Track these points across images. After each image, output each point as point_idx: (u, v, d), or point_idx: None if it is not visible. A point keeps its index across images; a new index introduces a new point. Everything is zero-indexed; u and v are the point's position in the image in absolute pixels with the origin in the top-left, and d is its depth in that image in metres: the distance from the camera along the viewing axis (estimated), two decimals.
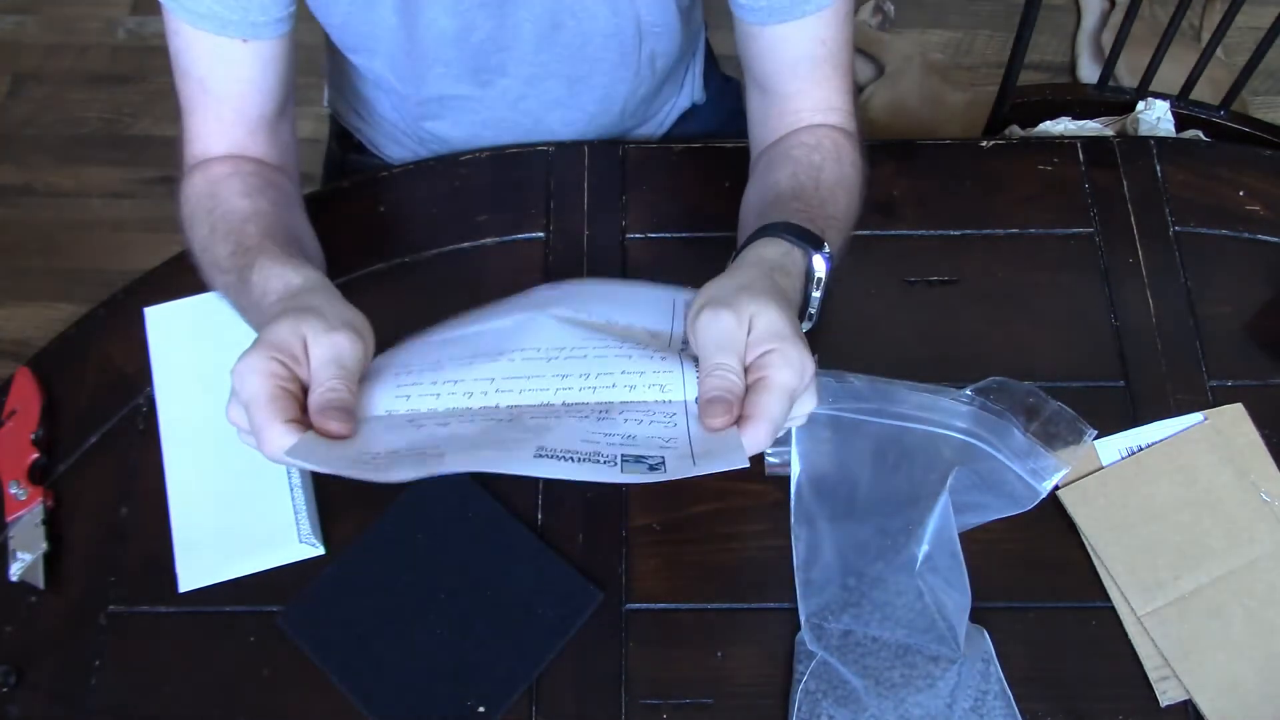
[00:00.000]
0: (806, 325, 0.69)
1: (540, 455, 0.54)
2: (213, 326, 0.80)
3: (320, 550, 0.75)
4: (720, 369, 0.57)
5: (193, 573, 0.74)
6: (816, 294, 0.67)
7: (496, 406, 0.60)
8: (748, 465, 0.54)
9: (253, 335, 0.77)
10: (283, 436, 0.56)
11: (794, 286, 0.65)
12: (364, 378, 0.62)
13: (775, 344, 0.57)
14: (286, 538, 0.74)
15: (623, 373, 0.60)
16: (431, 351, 0.65)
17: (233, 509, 0.75)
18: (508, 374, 0.62)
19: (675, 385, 0.60)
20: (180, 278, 0.85)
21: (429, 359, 0.64)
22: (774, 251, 0.65)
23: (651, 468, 0.54)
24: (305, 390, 0.59)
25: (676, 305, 0.69)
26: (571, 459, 0.54)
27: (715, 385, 0.57)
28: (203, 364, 0.80)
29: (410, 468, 0.54)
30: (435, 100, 0.89)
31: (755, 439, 0.56)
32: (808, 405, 0.60)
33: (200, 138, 0.78)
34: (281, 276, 0.65)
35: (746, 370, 0.58)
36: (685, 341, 0.64)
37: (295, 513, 0.75)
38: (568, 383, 0.60)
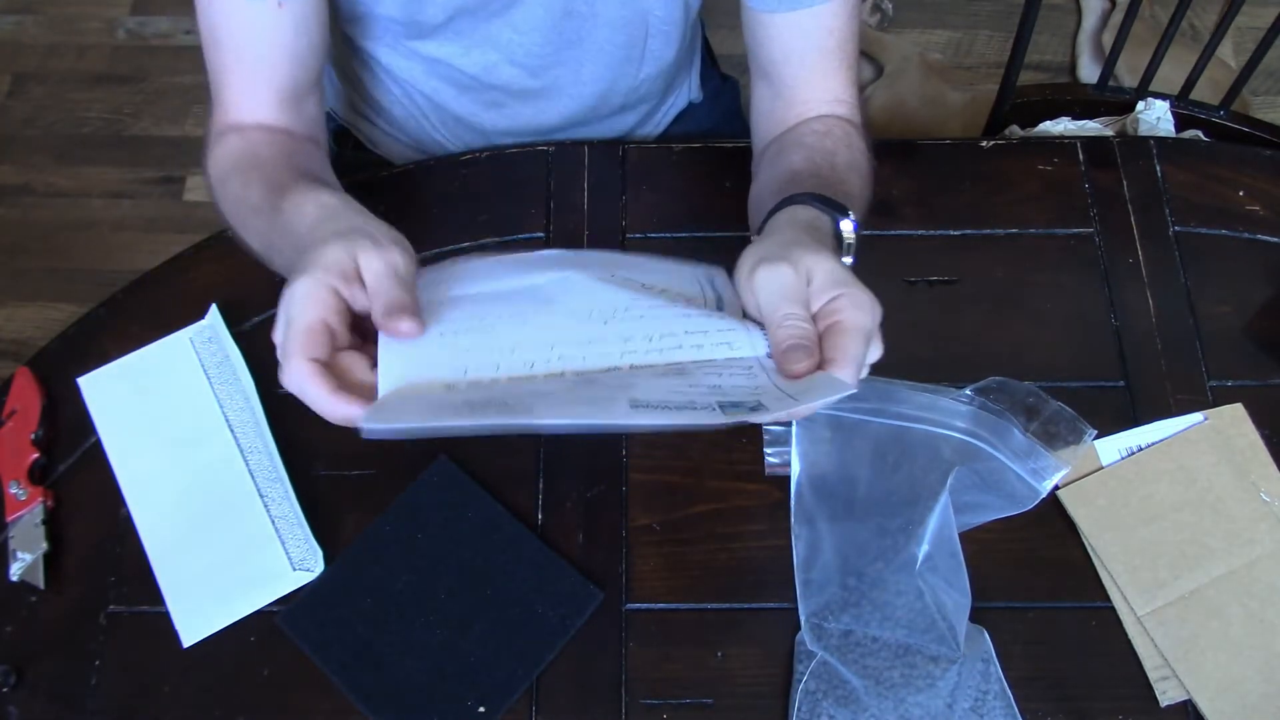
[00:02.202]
0: None
1: (636, 406, 0.53)
2: (149, 383, 0.81)
3: (315, 572, 0.74)
4: (790, 318, 0.57)
5: (193, 625, 0.73)
6: (848, 260, 0.67)
7: (562, 374, 0.57)
8: (849, 390, 0.54)
9: (186, 388, 0.80)
10: (297, 371, 0.55)
11: (831, 247, 0.64)
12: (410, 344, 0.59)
13: (840, 289, 0.57)
14: (279, 569, 0.74)
15: (686, 332, 0.59)
16: (469, 308, 0.61)
17: (218, 553, 0.75)
18: (567, 339, 0.59)
19: (742, 342, 0.58)
20: (180, 277, 0.86)
21: (475, 320, 0.60)
22: (806, 214, 0.65)
23: (752, 409, 0.53)
24: (353, 322, 0.58)
25: (700, 278, 0.67)
26: (668, 407, 0.53)
27: (789, 334, 0.56)
28: (149, 420, 0.80)
29: (495, 416, 0.52)
30: (442, 44, 0.88)
31: (849, 381, 0.55)
32: (877, 352, 0.60)
33: (233, 106, 0.77)
34: (316, 200, 0.64)
35: (815, 319, 0.58)
36: (720, 309, 0.64)
37: (282, 543, 0.75)
38: (632, 345, 0.58)
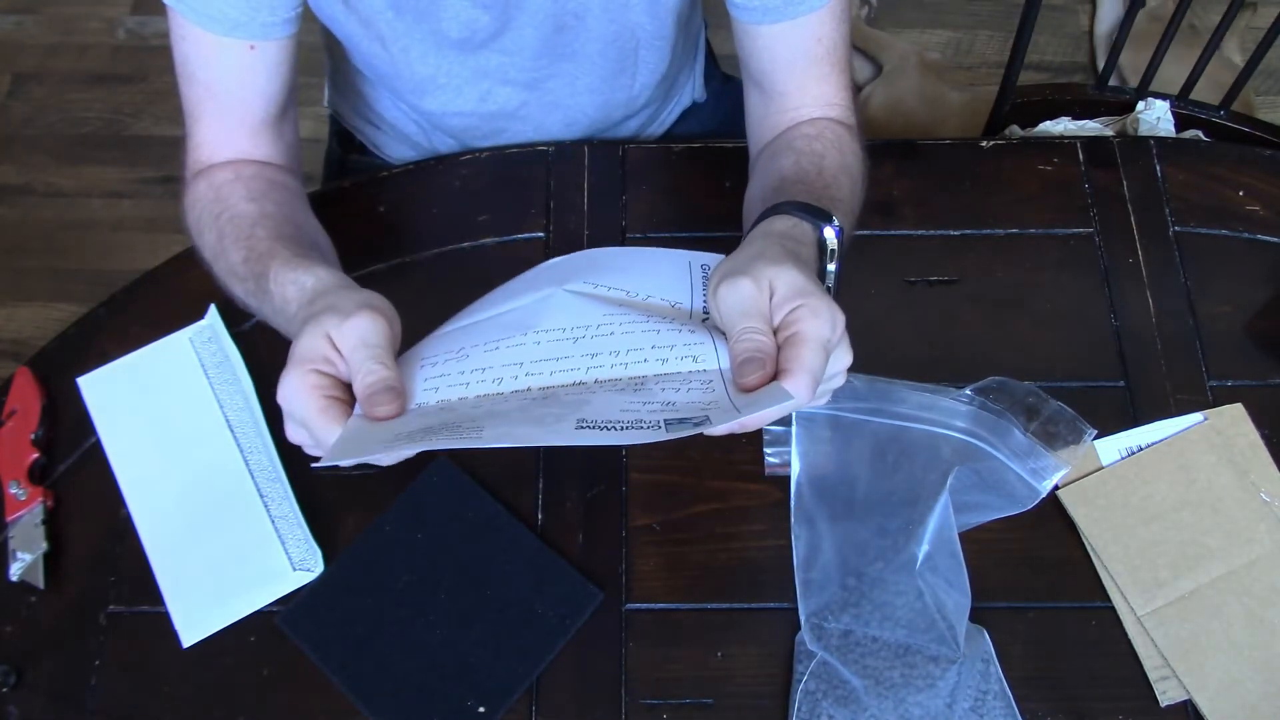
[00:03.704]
0: None
1: (582, 427, 0.54)
2: (150, 382, 0.81)
3: (316, 572, 0.74)
4: (748, 331, 0.57)
5: (193, 625, 0.73)
6: (832, 266, 0.67)
7: (528, 389, 0.59)
8: (794, 400, 0.54)
9: (186, 389, 0.80)
10: (295, 380, 0.58)
11: (809, 255, 0.64)
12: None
13: (801, 300, 0.57)
14: (279, 570, 0.74)
15: (653, 347, 0.60)
16: (452, 341, 0.65)
17: (218, 554, 0.75)
18: (535, 357, 0.61)
19: (708, 356, 0.59)
20: (180, 277, 0.86)
21: (451, 348, 0.63)
22: (782, 224, 0.65)
23: (696, 424, 0.53)
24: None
25: (693, 270, 0.68)
26: (614, 428, 0.54)
27: (745, 347, 0.56)
28: (149, 420, 0.80)
29: (446, 439, 0.54)
30: (434, 95, 0.89)
31: (798, 392, 0.55)
32: (844, 359, 0.60)
33: (205, 144, 0.78)
34: (296, 282, 0.66)
35: (776, 331, 0.58)
36: (707, 311, 0.64)
37: (282, 543, 0.75)
38: (598, 361, 0.60)
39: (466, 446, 0.53)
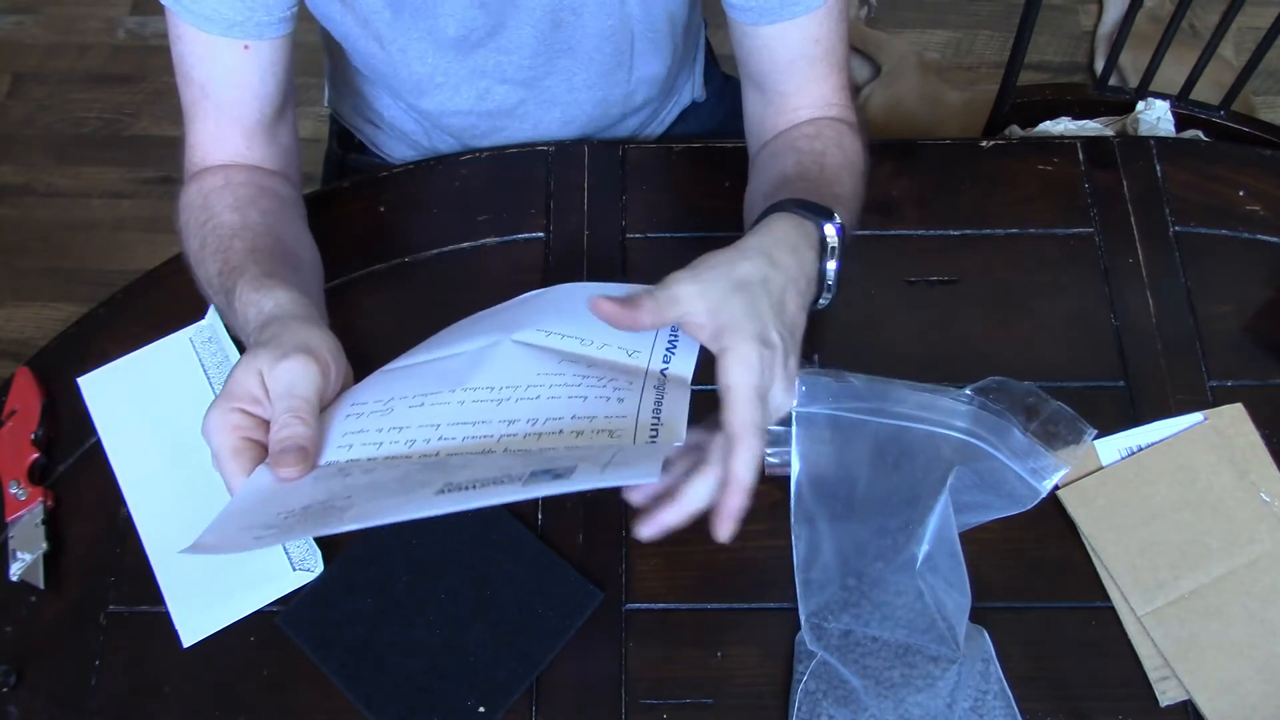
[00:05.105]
0: (826, 298, 0.69)
1: (443, 491, 0.53)
2: (150, 382, 0.81)
3: (315, 572, 0.74)
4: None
5: (193, 625, 0.73)
6: (832, 264, 0.67)
7: (436, 453, 0.58)
8: (657, 480, 0.52)
9: (186, 389, 0.80)
10: (218, 417, 0.58)
11: (802, 260, 0.64)
12: (323, 413, 0.61)
13: (728, 341, 0.57)
14: (279, 569, 0.74)
15: (573, 417, 0.59)
16: (388, 386, 0.64)
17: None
18: (454, 419, 0.60)
19: (626, 430, 0.58)
20: (180, 277, 0.85)
21: (381, 396, 0.63)
22: (782, 223, 0.65)
23: (556, 476, 0.52)
24: None
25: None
26: (474, 487, 0.52)
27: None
28: (149, 420, 0.80)
29: (311, 526, 0.53)
30: (432, 95, 0.89)
31: (748, 452, 0.56)
32: (786, 394, 0.59)
33: (200, 144, 0.78)
34: (255, 304, 0.66)
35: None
36: (667, 362, 0.63)
37: (282, 543, 0.75)
38: (513, 428, 0.59)
39: (330, 533, 0.52)
